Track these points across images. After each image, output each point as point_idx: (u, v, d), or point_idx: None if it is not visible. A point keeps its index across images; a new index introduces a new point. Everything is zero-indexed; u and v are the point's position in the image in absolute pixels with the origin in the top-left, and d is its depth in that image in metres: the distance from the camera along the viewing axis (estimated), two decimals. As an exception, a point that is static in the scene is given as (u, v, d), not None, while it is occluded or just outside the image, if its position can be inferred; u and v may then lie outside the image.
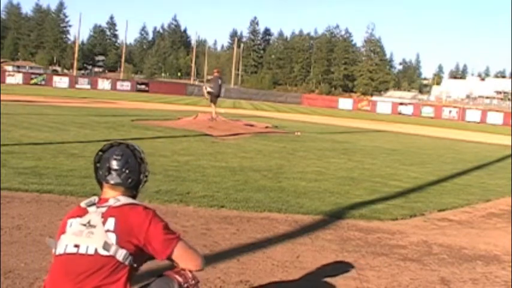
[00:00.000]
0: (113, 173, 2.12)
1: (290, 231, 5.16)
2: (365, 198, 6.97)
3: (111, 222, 2.00)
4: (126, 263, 1.98)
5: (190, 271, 2.12)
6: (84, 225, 2.01)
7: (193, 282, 2.12)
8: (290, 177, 8.16)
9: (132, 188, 2.18)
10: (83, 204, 2.11)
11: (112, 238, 1.98)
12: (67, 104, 24.48)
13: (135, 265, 2.04)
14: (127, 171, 2.13)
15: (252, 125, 17.61)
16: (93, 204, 2.09)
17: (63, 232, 2.05)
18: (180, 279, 2.10)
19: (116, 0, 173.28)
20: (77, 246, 1.98)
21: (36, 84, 50.46)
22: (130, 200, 2.11)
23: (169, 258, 2.07)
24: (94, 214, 2.04)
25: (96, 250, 1.96)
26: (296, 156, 11.06)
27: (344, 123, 26.83)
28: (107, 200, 2.09)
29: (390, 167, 10.62)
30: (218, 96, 17.51)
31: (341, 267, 4.20)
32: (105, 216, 2.02)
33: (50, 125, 13.20)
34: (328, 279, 3.94)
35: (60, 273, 1.98)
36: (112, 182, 2.13)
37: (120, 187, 2.14)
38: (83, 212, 2.07)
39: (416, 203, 7.00)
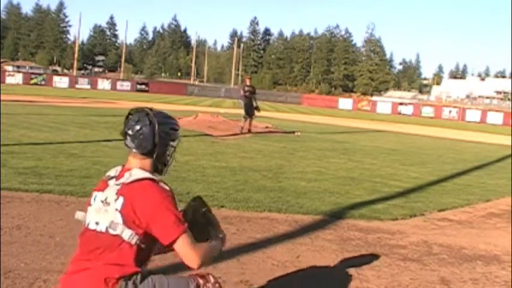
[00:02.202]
0: (128, 137, 2.17)
1: (290, 231, 5.16)
2: (365, 198, 6.97)
3: (120, 202, 2.05)
4: (133, 242, 2.02)
5: (213, 276, 2.21)
6: (102, 202, 2.09)
7: (216, 285, 2.17)
8: (290, 177, 8.16)
9: (148, 155, 2.16)
10: (106, 176, 2.19)
11: (118, 218, 2.03)
12: (67, 104, 24.47)
13: (143, 245, 2.05)
14: (140, 137, 2.14)
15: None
16: (113, 177, 2.14)
17: (90, 205, 2.15)
18: (200, 281, 2.15)
19: (115, 0, 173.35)
20: (97, 223, 2.07)
21: (36, 84, 50.37)
22: (143, 175, 2.11)
23: (170, 245, 2.08)
24: (111, 190, 2.10)
25: (106, 228, 2.04)
26: (296, 156, 11.06)
27: (344, 123, 26.82)
28: (124, 174, 2.14)
29: (390, 167, 10.62)
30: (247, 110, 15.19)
31: (341, 267, 4.20)
32: (118, 194, 2.07)
33: (50, 125, 13.21)
34: (328, 279, 3.94)
35: (82, 247, 2.09)
36: (128, 145, 2.17)
37: (135, 153, 2.17)
38: (104, 186, 2.14)
39: (416, 203, 7.00)
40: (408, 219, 6.09)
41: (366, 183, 8.22)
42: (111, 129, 13.59)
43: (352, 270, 4.14)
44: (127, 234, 2.01)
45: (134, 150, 2.16)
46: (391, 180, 8.80)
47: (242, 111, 15.35)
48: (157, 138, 2.15)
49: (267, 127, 17.93)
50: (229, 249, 4.43)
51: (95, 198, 2.13)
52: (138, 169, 2.13)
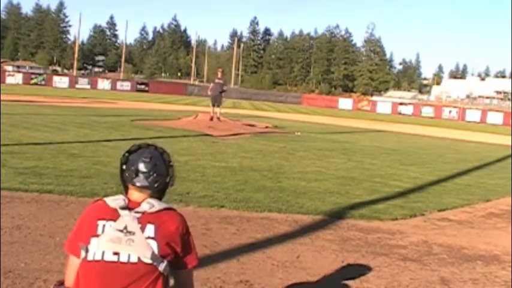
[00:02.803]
0: (141, 175, 2.03)
1: (290, 231, 5.17)
2: (365, 198, 6.97)
3: (150, 229, 1.92)
4: (165, 273, 1.92)
5: None
6: (121, 231, 1.90)
7: None
8: (290, 177, 8.16)
9: (159, 191, 2.11)
10: (112, 203, 1.98)
11: (153, 246, 1.91)
12: (67, 104, 24.47)
13: (167, 276, 1.96)
14: (155, 174, 2.05)
15: (252, 125, 17.63)
16: (125, 207, 1.97)
17: (94, 235, 1.91)
18: None
19: (115, 0, 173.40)
20: (116, 254, 1.87)
21: (36, 84, 50.33)
22: (164, 205, 2.04)
23: (180, 272, 2.02)
24: (129, 219, 1.93)
25: (139, 258, 1.87)
26: (296, 156, 11.06)
27: (344, 123, 26.82)
28: (138, 204, 2.00)
29: (390, 167, 10.62)
30: (215, 99, 17.23)
31: (341, 267, 4.20)
32: (142, 222, 1.92)
33: (50, 125, 13.20)
34: (328, 280, 3.94)
35: (96, 282, 1.87)
36: (138, 184, 2.04)
37: (146, 190, 2.06)
38: (115, 215, 1.94)
39: (416, 203, 7.00)
40: (408, 219, 6.09)
41: (366, 183, 8.22)
42: (111, 129, 13.60)
43: (352, 270, 4.14)
44: (163, 265, 1.90)
45: (145, 187, 2.04)
46: (391, 180, 8.80)
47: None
48: (170, 173, 2.11)
49: (267, 127, 17.95)
50: (229, 249, 4.44)
51: (103, 228, 1.91)
52: (154, 200, 2.05)
